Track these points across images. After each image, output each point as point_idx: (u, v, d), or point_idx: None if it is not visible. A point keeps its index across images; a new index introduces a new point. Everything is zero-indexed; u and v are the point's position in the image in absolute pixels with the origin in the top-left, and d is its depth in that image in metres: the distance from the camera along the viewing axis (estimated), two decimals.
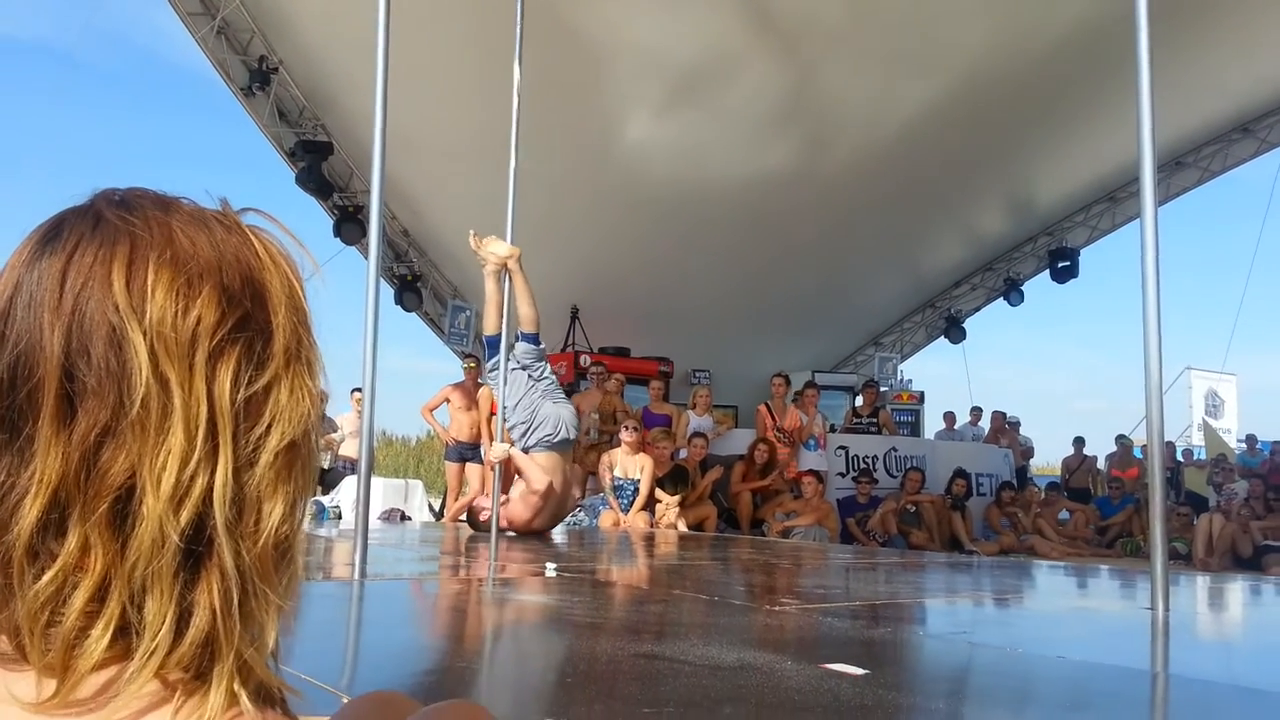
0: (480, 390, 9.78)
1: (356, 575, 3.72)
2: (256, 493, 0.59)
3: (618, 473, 8.34)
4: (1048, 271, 15.70)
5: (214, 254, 0.61)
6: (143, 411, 0.56)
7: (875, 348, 16.86)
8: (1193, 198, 15.01)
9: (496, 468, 5.63)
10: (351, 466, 10.05)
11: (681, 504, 8.71)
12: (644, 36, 9.99)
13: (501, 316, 5.78)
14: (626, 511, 8.24)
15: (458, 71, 9.77)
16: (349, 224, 11.89)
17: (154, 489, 0.55)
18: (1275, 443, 13.32)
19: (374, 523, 8.65)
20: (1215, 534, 9.84)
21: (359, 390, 5.78)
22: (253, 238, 0.64)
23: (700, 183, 11.54)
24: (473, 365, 10.09)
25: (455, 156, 10.92)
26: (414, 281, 13.38)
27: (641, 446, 8.54)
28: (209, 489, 0.57)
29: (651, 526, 8.28)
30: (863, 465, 10.86)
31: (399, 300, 13.23)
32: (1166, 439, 5.34)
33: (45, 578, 0.55)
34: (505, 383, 5.92)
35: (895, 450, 11.45)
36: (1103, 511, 11.74)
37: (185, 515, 0.56)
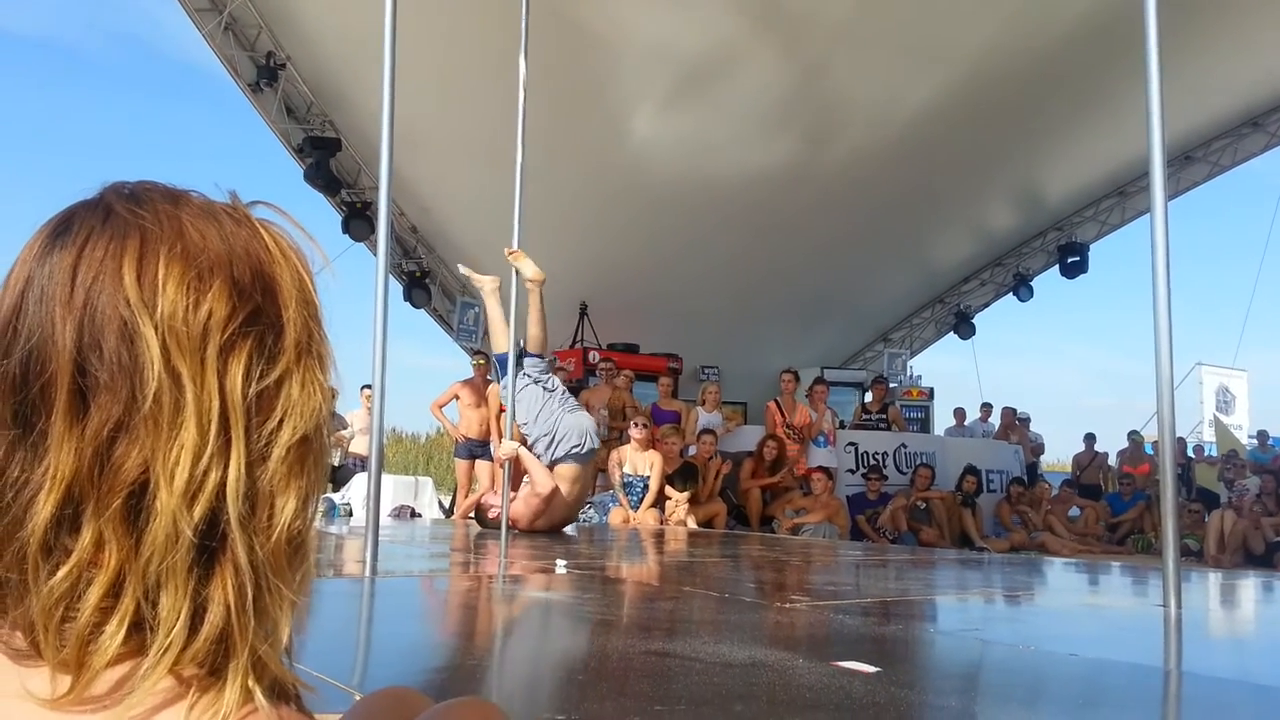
0: (489, 387, 9.79)
1: (367, 572, 3.73)
2: (269, 487, 0.59)
3: (627, 469, 8.34)
4: (1057, 267, 15.65)
5: (224, 247, 0.60)
6: (155, 406, 0.55)
7: (884, 344, 16.82)
8: (1202, 192, 14.95)
9: (506, 465, 5.65)
10: (362, 463, 10.06)
11: (691, 500, 8.71)
12: (651, 32, 9.97)
13: (508, 334, 5.83)
14: (636, 508, 8.24)
15: (465, 68, 9.76)
16: (357, 220, 11.93)
17: (167, 484, 0.55)
18: None
19: (384, 520, 8.69)
20: (1227, 530, 9.81)
21: (369, 387, 5.81)
22: (263, 231, 0.64)
23: (709, 178, 11.52)
24: (481, 362, 10.09)
25: (463, 153, 10.92)
26: (422, 278, 13.40)
27: (651, 443, 8.54)
28: (222, 484, 0.56)
29: (661, 523, 8.28)
30: (872, 462, 10.83)
31: (408, 296, 13.28)
32: (1178, 435, 5.33)
33: (60, 574, 0.55)
34: (515, 398, 5.89)
35: (905, 447, 11.39)
36: (1114, 508, 11.72)
37: (199, 510, 0.56)
